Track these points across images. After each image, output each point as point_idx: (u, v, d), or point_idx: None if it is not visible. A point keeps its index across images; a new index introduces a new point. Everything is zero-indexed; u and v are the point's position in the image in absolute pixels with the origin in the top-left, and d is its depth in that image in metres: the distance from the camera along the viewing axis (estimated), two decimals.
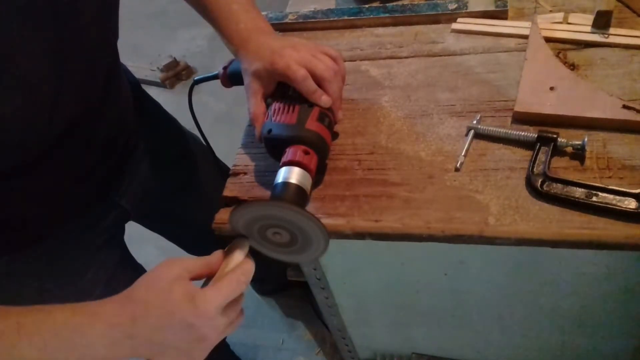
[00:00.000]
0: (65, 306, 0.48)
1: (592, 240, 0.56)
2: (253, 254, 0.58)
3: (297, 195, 0.59)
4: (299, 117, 0.63)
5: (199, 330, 0.49)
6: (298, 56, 0.63)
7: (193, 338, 0.49)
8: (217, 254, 0.55)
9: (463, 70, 0.75)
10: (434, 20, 0.83)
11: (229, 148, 0.86)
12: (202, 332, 0.49)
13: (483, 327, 0.96)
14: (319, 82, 0.64)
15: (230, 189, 0.69)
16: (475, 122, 0.67)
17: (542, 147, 0.62)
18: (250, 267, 0.54)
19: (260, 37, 0.67)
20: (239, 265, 0.54)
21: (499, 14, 0.81)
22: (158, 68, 2.27)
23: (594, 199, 0.58)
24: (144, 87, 0.91)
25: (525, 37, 0.76)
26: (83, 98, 0.63)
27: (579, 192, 0.58)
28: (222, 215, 0.66)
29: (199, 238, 1.02)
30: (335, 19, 0.86)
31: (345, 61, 0.70)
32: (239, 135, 0.77)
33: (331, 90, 0.64)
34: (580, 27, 0.75)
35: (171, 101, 2.15)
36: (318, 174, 0.65)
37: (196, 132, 0.90)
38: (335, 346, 1.33)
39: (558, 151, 0.63)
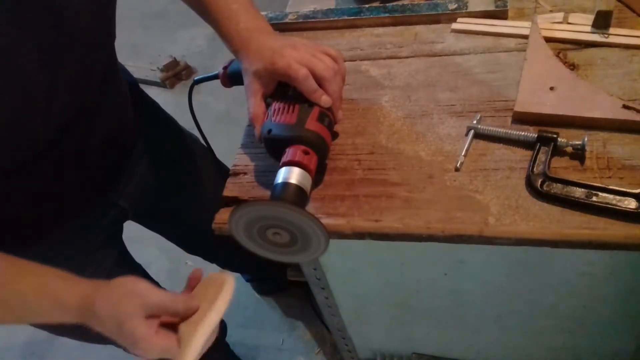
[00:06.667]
0: (33, 283, 0.56)
1: (592, 240, 0.56)
2: (253, 255, 0.58)
3: (297, 196, 0.59)
4: (299, 117, 0.63)
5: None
6: (298, 55, 0.63)
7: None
8: (188, 302, 0.58)
9: (463, 70, 0.75)
10: (434, 20, 0.83)
11: (229, 148, 0.86)
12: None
13: (483, 327, 0.96)
14: (319, 81, 0.63)
15: (230, 189, 0.69)
16: (475, 122, 0.67)
17: (542, 147, 0.62)
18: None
19: (261, 37, 0.66)
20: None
21: (499, 14, 0.81)
22: (158, 68, 2.26)
23: (594, 199, 0.58)
24: (144, 87, 0.91)
25: (525, 37, 0.76)
26: (79, 98, 0.62)
27: (579, 192, 0.58)
28: (222, 215, 0.66)
29: (198, 238, 1.02)
30: (335, 19, 0.86)
31: (345, 61, 0.70)
32: (239, 135, 0.77)
33: (331, 90, 0.64)
34: (580, 27, 0.75)
35: (171, 101, 2.15)
36: (318, 174, 0.65)
37: (196, 132, 0.90)
38: (335, 346, 1.33)
39: (558, 151, 0.63)
